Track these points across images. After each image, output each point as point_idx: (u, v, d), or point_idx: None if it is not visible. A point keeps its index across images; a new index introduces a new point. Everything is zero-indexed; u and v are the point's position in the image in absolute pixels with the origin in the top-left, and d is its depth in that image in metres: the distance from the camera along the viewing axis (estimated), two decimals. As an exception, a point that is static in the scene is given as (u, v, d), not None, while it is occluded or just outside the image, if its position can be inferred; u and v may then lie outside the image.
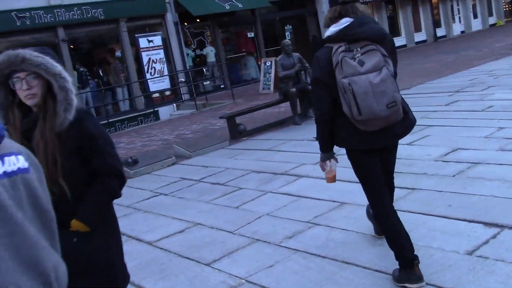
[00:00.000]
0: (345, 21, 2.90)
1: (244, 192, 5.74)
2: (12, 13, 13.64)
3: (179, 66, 17.07)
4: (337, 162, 3.18)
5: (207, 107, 15.31)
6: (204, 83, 18.21)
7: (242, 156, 7.57)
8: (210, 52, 18.09)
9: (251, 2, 18.22)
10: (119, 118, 15.22)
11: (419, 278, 2.97)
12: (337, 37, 2.87)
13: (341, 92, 2.80)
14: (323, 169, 3.20)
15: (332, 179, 3.19)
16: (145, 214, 5.58)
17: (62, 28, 14.61)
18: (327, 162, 3.15)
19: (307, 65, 9.57)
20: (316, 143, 3.27)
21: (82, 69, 15.50)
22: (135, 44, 16.13)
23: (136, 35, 16.04)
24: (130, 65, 16.07)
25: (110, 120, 14.99)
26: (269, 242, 4.13)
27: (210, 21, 18.22)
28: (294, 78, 9.38)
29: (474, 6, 28.92)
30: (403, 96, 2.98)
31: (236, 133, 8.89)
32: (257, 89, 15.97)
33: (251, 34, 19.27)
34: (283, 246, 4.01)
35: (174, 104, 16.56)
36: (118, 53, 16.17)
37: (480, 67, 12.67)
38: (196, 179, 6.68)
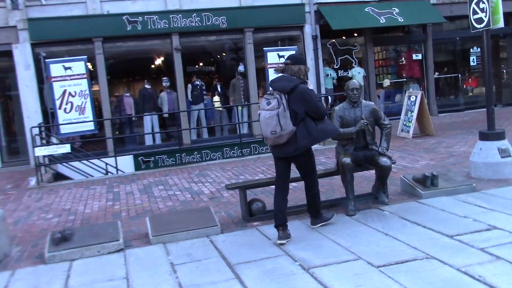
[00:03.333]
0: (276, 76, 5.04)
1: None
2: (123, 17, 12.57)
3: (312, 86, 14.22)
4: None
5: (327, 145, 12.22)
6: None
7: (209, 262, 4.67)
8: (357, 74, 14.73)
9: (417, 16, 14.34)
10: (228, 142, 13.20)
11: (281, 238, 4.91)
12: (270, 85, 5.03)
13: None
14: None
15: None
16: None
17: (177, 35, 13.10)
18: None
19: (385, 121, 6.09)
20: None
21: (198, 82, 13.87)
22: (261, 58, 13.86)
23: (264, 48, 13.73)
24: (251, 81, 13.86)
25: (220, 142, 13.15)
26: None
27: (363, 36, 14.90)
28: (359, 140, 6.00)
29: None
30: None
31: (246, 214, 5.97)
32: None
33: (417, 56, 15.29)
34: None
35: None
36: (240, 68, 14.10)
37: None
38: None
